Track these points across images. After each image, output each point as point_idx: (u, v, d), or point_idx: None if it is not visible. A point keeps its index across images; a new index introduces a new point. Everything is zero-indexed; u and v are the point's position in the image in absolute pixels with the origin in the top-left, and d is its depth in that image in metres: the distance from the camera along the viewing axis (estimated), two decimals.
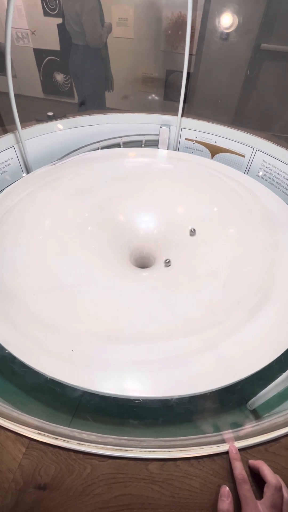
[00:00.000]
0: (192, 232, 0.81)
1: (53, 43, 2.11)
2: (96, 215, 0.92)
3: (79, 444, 0.40)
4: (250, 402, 0.56)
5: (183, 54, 1.05)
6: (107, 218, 0.94)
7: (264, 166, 1.11)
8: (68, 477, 0.38)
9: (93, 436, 0.43)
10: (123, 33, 1.97)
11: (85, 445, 0.40)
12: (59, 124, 1.12)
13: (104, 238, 0.89)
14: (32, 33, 2.10)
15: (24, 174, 1.10)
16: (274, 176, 1.08)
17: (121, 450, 0.40)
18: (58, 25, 2.00)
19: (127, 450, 0.40)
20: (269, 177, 1.10)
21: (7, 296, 0.65)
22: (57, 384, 0.52)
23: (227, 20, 1.62)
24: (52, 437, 0.41)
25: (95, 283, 0.73)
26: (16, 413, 0.46)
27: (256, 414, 0.56)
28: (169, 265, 0.78)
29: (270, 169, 1.09)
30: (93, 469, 0.38)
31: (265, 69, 1.71)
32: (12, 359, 0.54)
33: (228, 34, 1.68)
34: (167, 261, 0.80)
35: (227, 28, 1.64)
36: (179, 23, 1.81)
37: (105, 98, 2.06)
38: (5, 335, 0.57)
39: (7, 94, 0.91)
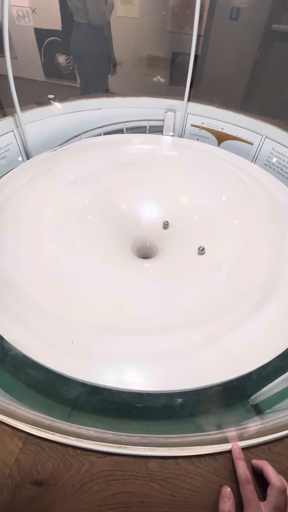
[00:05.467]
0: (166, 225, 0.78)
1: (54, 22, 2.02)
2: (97, 203, 0.90)
3: (78, 439, 0.39)
4: (252, 397, 0.55)
5: (191, 35, 0.99)
6: (109, 207, 0.91)
7: (273, 154, 1.06)
8: (65, 473, 0.37)
9: (91, 431, 0.42)
10: (128, 12, 1.87)
11: (83, 441, 0.39)
12: (60, 107, 1.08)
13: (105, 227, 0.87)
14: (33, 11, 2.00)
15: (20, 159, 1.06)
16: (283, 165, 1.04)
17: (120, 446, 0.39)
18: (60, 2, 1.90)
19: (126, 447, 0.39)
20: (277, 166, 1.06)
21: (6, 286, 0.63)
22: (56, 376, 0.51)
23: None
24: (50, 432, 0.39)
25: (96, 274, 0.72)
26: (13, 406, 0.45)
27: (258, 410, 0.55)
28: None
29: (279, 158, 1.05)
30: (91, 466, 0.37)
31: (276, 52, 1.63)
32: (10, 349, 0.53)
33: (238, 13, 1.59)
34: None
35: (237, 5, 1.55)
36: (187, 1, 1.72)
37: (107, 80, 1.99)
38: (4, 325, 0.56)
39: (6, 76, 0.87)
